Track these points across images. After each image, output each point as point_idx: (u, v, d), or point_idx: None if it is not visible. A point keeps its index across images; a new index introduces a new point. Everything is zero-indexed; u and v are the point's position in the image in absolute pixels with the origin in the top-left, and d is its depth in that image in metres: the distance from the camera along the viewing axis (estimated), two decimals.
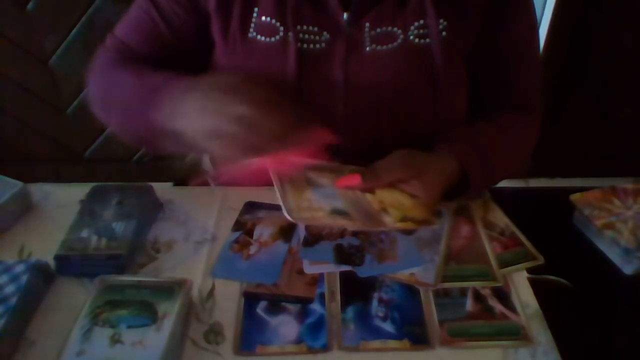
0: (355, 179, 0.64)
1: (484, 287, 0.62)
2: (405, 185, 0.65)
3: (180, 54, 0.75)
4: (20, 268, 0.59)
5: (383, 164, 0.65)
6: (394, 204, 0.63)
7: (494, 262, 0.65)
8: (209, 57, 0.77)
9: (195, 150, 0.64)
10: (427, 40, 0.71)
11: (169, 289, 0.56)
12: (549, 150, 1.77)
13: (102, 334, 0.51)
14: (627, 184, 0.79)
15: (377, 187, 0.65)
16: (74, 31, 1.64)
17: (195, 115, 0.57)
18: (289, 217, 0.56)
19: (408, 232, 0.67)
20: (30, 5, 1.60)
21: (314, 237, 0.67)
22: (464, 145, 0.71)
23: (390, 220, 0.60)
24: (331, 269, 0.64)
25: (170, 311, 0.54)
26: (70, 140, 1.88)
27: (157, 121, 0.61)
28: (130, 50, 0.75)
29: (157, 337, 0.51)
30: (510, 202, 0.78)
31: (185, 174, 1.01)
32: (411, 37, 0.71)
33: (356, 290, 0.61)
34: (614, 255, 0.71)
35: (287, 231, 0.69)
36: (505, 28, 0.74)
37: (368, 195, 0.64)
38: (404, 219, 0.61)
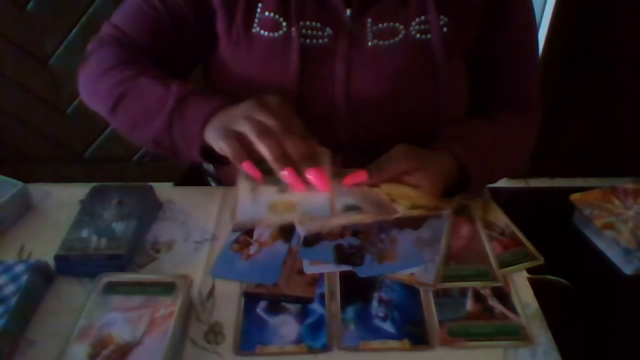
0: (362, 175, 0.64)
1: (484, 287, 0.62)
2: (409, 176, 0.66)
3: (179, 46, 0.75)
4: (20, 268, 0.59)
5: (386, 157, 0.66)
6: (401, 196, 0.64)
7: (494, 262, 0.65)
8: (209, 51, 0.77)
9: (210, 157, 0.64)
10: (429, 35, 0.71)
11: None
12: (549, 150, 1.77)
13: None
14: (627, 184, 0.79)
15: (383, 180, 0.66)
16: (74, 31, 1.64)
17: (237, 118, 0.59)
18: (301, 227, 0.56)
19: (419, 222, 0.68)
20: (30, 5, 1.60)
21: (314, 237, 0.67)
22: (463, 144, 0.71)
23: (402, 208, 0.61)
24: (331, 269, 0.64)
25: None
26: (70, 140, 1.88)
27: (178, 130, 0.64)
28: (129, 39, 0.74)
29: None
30: (510, 202, 0.78)
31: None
32: (413, 33, 0.71)
33: (356, 290, 0.61)
34: (614, 255, 0.71)
35: (287, 231, 0.69)
36: (503, 26, 0.75)
37: (375, 189, 0.65)
38: (414, 207, 0.62)
